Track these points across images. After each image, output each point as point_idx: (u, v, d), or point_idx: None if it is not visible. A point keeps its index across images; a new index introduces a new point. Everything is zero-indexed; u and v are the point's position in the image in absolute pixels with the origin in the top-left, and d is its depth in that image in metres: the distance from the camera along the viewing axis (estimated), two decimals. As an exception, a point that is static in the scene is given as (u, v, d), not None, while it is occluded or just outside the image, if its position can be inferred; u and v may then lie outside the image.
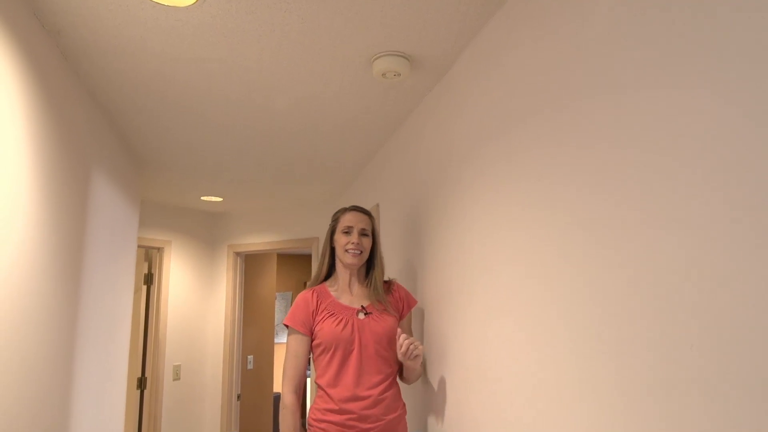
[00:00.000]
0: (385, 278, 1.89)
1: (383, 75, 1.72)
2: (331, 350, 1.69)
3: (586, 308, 0.98)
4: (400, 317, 1.84)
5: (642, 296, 0.83)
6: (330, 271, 1.89)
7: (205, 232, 4.29)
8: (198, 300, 4.18)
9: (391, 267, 2.36)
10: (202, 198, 3.76)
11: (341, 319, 1.72)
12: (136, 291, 3.91)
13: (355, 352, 1.69)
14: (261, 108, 2.10)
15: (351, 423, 1.63)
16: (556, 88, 1.10)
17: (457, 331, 1.59)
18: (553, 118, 1.10)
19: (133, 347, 3.82)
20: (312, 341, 1.75)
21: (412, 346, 1.61)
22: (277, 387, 5.71)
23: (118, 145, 2.47)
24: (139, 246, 3.75)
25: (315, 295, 1.79)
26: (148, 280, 3.96)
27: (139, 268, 3.93)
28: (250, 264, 4.61)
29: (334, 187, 3.52)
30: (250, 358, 4.52)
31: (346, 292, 1.82)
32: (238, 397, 4.12)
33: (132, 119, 2.23)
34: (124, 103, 2.06)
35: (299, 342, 1.73)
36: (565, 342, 1.04)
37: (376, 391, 1.66)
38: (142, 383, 3.83)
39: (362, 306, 1.76)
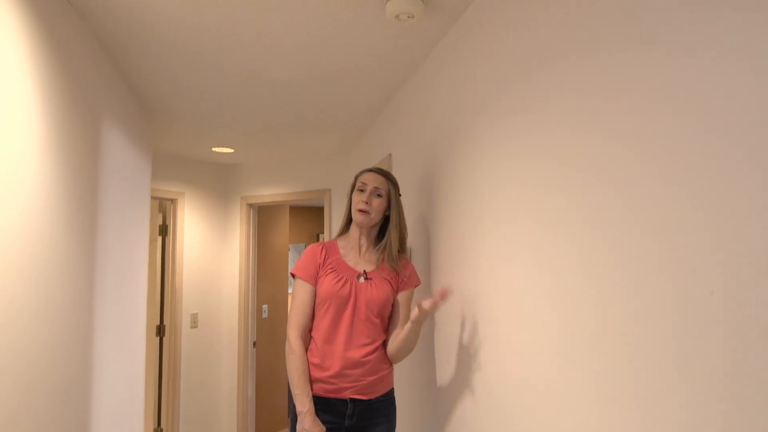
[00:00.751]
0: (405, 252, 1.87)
1: (396, 17, 1.65)
2: (326, 305, 1.74)
3: (601, 256, 0.96)
4: (397, 289, 1.82)
5: (660, 241, 0.81)
6: (347, 229, 1.90)
7: (217, 183, 4.30)
8: (212, 251, 4.24)
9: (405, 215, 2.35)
10: (214, 149, 3.75)
11: (341, 278, 1.75)
12: (152, 242, 3.97)
13: (347, 312, 1.74)
14: (271, 51, 2.04)
15: (332, 380, 1.70)
16: (584, 32, 1.04)
17: (468, 283, 1.59)
18: (578, 65, 1.05)
19: (150, 296, 3.91)
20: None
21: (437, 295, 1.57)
22: (292, 335, 5.85)
23: (128, 95, 2.44)
24: (152, 197, 3.78)
25: (324, 249, 1.83)
26: (163, 231, 4.00)
27: (154, 220, 3.97)
28: (263, 216, 4.63)
29: (347, 138, 3.48)
30: (265, 307, 4.62)
31: (354, 252, 1.83)
32: (254, 344, 4.24)
33: (140, 65, 2.19)
34: (131, 48, 2.01)
35: (305, 291, 1.77)
36: (581, 290, 1.03)
37: (359, 353, 1.72)
38: (161, 330, 3.95)
39: (364, 270, 1.79)
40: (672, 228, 0.79)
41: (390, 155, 2.60)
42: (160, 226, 4.00)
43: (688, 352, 0.76)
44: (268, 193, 4.18)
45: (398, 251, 1.83)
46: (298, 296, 1.78)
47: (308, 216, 6.88)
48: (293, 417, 1.74)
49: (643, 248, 0.85)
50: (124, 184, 2.36)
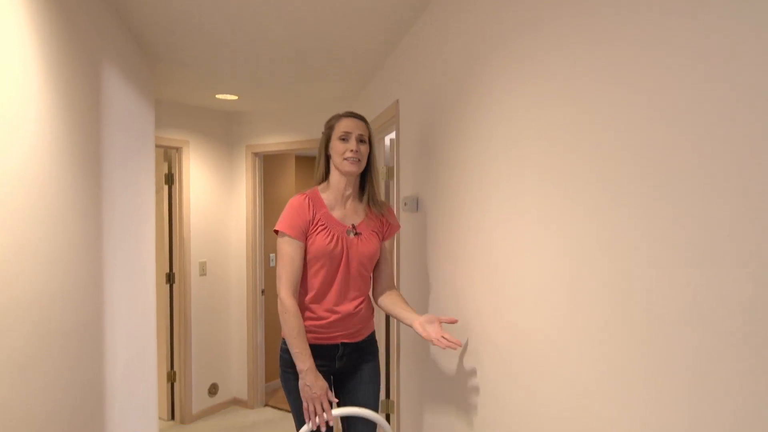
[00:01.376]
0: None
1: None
2: (319, 263, 1.74)
3: (611, 205, 0.93)
4: (382, 239, 1.87)
5: (674, 189, 0.78)
6: (326, 178, 1.85)
7: (222, 132, 4.25)
8: (219, 200, 4.24)
9: (409, 169, 2.32)
10: (217, 96, 3.68)
11: (333, 235, 1.74)
12: (158, 191, 3.97)
13: (340, 269, 1.76)
14: (273, -7, 1.95)
15: (323, 330, 1.77)
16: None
17: (479, 233, 1.58)
18: (597, 12, 0.99)
19: (159, 244, 3.95)
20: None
21: (446, 342, 1.54)
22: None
23: (129, 39, 2.36)
24: (157, 146, 3.74)
25: (309, 203, 1.75)
26: (169, 180, 4.00)
27: (159, 168, 3.95)
28: (268, 165, 4.60)
29: (352, 84, 3.39)
30: (272, 255, 4.66)
31: (339, 203, 1.80)
32: (262, 292, 4.31)
33: (140, 8, 2.10)
34: (128, -12, 1.93)
35: (294, 247, 1.71)
36: (590, 239, 1.01)
37: (351, 306, 1.78)
38: (170, 278, 4.01)
39: (353, 225, 1.79)
40: (686, 177, 0.76)
41: (397, 101, 2.54)
42: (165, 174, 3.99)
43: (703, 298, 0.75)
44: (274, 141, 4.14)
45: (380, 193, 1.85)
46: (286, 253, 1.71)
47: (313, 166, 6.84)
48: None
49: (657, 196, 0.83)
50: (127, 129, 2.33)
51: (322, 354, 1.78)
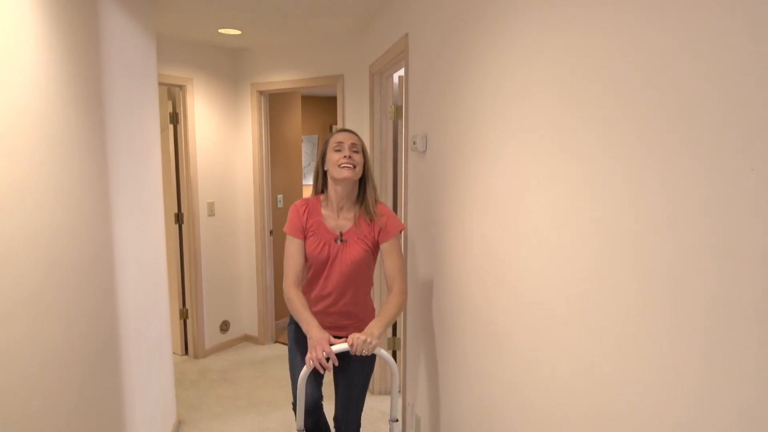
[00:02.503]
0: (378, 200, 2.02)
1: None
2: (309, 264, 1.99)
3: (631, 141, 0.89)
4: (377, 241, 1.99)
5: (698, 118, 0.74)
6: (324, 189, 2.03)
7: (226, 69, 4.14)
8: (225, 140, 4.19)
9: (418, 107, 2.25)
10: (220, 31, 3.55)
11: (320, 242, 1.95)
12: (163, 130, 3.92)
13: (326, 271, 1.97)
14: None
15: (316, 316, 1.96)
16: None
17: (485, 168, 1.54)
18: None
19: (166, 184, 3.94)
20: None
21: (362, 346, 1.70)
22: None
23: (123, -36, 2.25)
24: (160, 83, 3.66)
25: (306, 210, 1.99)
26: (174, 119, 3.94)
27: (164, 107, 3.89)
28: (274, 104, 4.51)
29: (359, 18, 3.25)
30: (280, 197, 4.66)
31: (334, 214, 1.99)
32: (270, 232, 4.34)
33: (133, -70, 1.99)
34: None
35: (295, 245, 1.96)
36: (606, 172, 0.97)
37: (335, 306, 1.99)
38: (179, 218, 4.03)
39: (340, 233, 1.96)
40: (708, 117, 0.72)
41: (406, 35, 2.44)
42: (170, 113, 3.93)
43: (723, 229, 0.72)
44: (279, 79, 4.03)
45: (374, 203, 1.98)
46: (289, 251, 1.97)
47: (321, 106, 6.71)
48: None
49: (676, 124, 0.78)
50: (128, 63, 2.26)
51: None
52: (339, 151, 1.91)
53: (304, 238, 1.97)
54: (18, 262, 1.23)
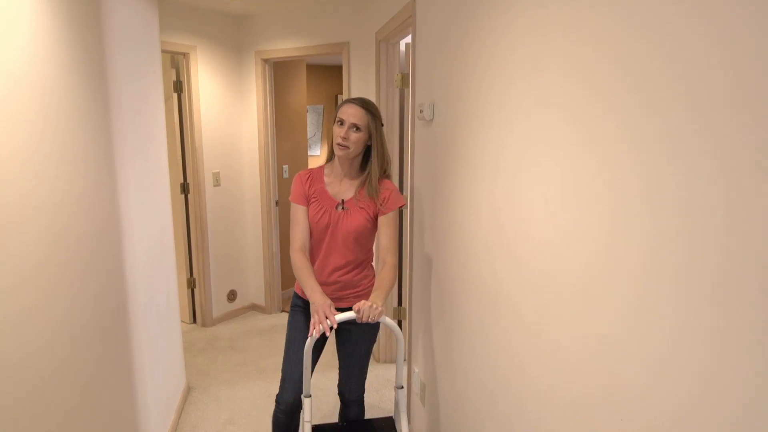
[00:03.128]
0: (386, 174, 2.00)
1: None
2: (311, 229, 1.99)
3: (641, 108, 0.86)
4: (378, 213, 1.98)
5: (710, 94, 0.71)
6: (333, 156, 2.02)
7: (230, 37, 4.07)
8: (230, 109, 4.15)
9: (425, 75, 2.20)
10: (223, -3, 3.48)
11: (321, 208, 1.95)
12: (168, 99, 3.89)
13: (326, 239, 1.97)
14: None
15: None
16: None
17: (494, 131, 1.51)
18: None
19: (172, 154, 3.93)
20: None
21: (368, 312, 1.69)
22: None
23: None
24: (163, 51, 3.61)
25: (309, 178, 1.99)
26: (178, 87, 3.90)
27: (167, 75, 3.84)
28: (279, 74, 4.45)
29: (366, -17, 3.16)
30: (285, 167, 4.64)
31: (337, 180, 1.99)
32: (276, 203, 4.34)
33: None
34: None
35: (299, 211, 1.97)
36: (618, 145, 0.95)
37: (335, 275, 1.99)
38: (185, 189, 4.03)
39: (342, 200, 1.96)
40: (724, 86, 0.69)
41: (414, 0, 2.37)
42: (174, 82, 3.88)
43: (737, 193, 0.70)
44: (284, 47, 3.96)
45: (379, 178, 1.96)
46: (293, 218, 1.98)
47: (326, 75, 6.62)
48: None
49: (688, 98, 0.76)
50: (130, 29, 2.22)
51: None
52: (340, 125, 1.89)
53: (308, 205, 1.97)
54: (25, 231, 1.23)
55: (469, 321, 1.78)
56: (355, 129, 1.87)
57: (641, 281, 0.90)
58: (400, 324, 3.42)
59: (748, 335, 0.69)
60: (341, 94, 6.47)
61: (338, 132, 1.88)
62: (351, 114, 1.88)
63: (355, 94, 3.67)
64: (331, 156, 2.03)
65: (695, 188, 0.77)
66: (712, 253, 0.75)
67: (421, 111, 2.24)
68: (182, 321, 4.24)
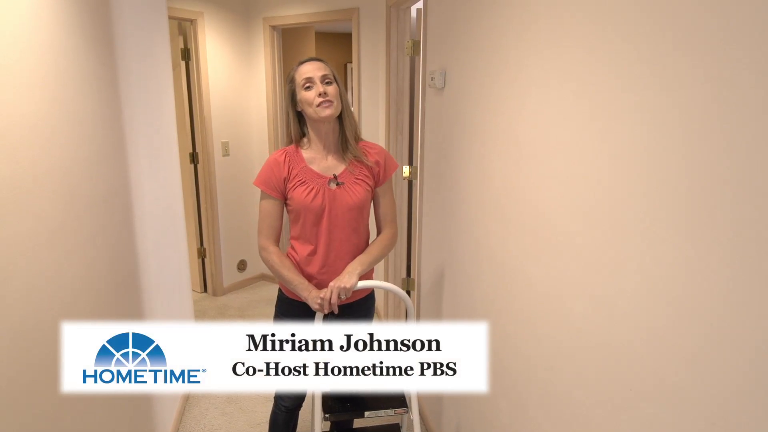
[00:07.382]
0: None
1: None
2: (301, 218, 1.71)
3: (655, 81, 0.83)
4: (377, 183, 1.78)
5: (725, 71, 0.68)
6: (303, 135, 1.77)
7: (238, 2, 3.99)
8: (238, 77, 4.11)
9: (437, 41, 2.15)
10: (230, -39, 3.39)
11: (312, 188, 1.68)
12: (175, 67, 3.84)
13: (324, 223, 1.70)
14: None
15: (314, 283, 1.73)
16: None
17: (506, 103, 1.48)
18: None
19: (180, 123, 3.91)
20: (285, 204, 1.74)
21: (337, 294, 1.58)
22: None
23: None
24: (170, 17, 3.55)
25: (287, 159, 1.71)
26: (186, 55, 3.85)
27: (174, 43, 3.79)
28: (287, 42, 4.38)
29: (376, -54, 3.07)
30: (294, 137, 4.62)
31: (320, 156, 1.73)
32: (285, 173, 4.33)
33: None
34: None
35: (272, 205, 1.73)
36: (632, 117, 0.92)
37: (342, 263, 1.72)
38: (194, 158, 4.03)
39: (334, 175, 1.70)
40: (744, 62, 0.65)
41: (426, -37, 2.29)
42: (182, 50, 3.83)
43: (747, 153, 0.68)
44: (292, 13, 3.89)
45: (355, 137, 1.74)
46: (262, 208, 1.74)
47: (335, 43, 6.52)
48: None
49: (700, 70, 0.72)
50: (137, -5, 2.17)
51: (310, 312, 1.70)
52: (309, 88, 1.64)
53: (287, 191, 1.71)
54: (38, 194, 1.23)
55: (481, 288, 1.77)
56: (327, 82, 1.65)
57: (655, 253, 0.88)
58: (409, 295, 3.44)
59: (755, 303, 0.68)
60: (350, 62, 6.37)
61: (311, 94, 1.63)
62: (315, 68, 1.66)
63: (365, 62, 3.61)
64: (299, 137, 1.77)
65: (712, 161, 0.75)
66: (728, 224, 0.72)
67: (432, 79, 2.19)
68: (193, 290, 4.29)
